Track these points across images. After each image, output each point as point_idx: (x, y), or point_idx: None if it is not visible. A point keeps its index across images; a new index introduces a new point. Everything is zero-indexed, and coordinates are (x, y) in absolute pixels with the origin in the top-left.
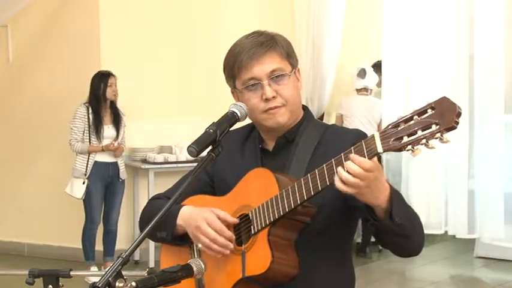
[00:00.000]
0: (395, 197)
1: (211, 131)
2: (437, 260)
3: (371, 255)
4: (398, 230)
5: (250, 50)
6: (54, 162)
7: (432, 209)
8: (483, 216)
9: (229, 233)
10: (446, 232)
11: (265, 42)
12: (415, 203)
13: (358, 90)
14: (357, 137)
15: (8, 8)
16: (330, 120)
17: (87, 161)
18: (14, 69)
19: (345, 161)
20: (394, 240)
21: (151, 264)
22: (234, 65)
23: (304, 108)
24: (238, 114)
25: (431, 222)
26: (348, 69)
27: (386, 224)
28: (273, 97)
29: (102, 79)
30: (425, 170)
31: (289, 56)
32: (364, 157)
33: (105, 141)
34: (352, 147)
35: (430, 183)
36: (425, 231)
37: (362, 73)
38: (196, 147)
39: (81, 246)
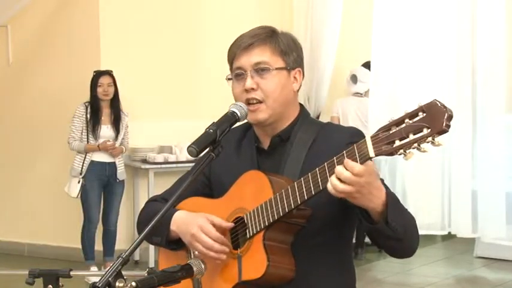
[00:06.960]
0: (391, 200)
1: (211, 131)
2: (437, 260)
3: (362, 256)
4: (391, 234)
5: (242, 40)
6: (54, 162)
7: (434, 210)
8: (485, 216)
9: (225, 240)
10: (448, 232)
11: (260, 34)
12: (415, 203)
13: (353, 93)
14: (352, 136)
15: (8, 8)
16: (326, 121)
17: (84, 160)
18: (14, 69)
19: (338, 165)
20: (386, 242)
21: (151, 264)
22: (229, 54)
23: (300, 106)
24: (238, 114)
25: (432, 223)
26: (345, 70)
27: (380, 227)
28: (252, 89)
29: (94, 79)
30: (427, 170)
31: (285, 53)
32: (356, 161)
33: (102, 141)
34: (344, 151)
35: (431, 184)
36: (427, 232)
37: (354, 79)
38: (196, 147)
39: (80, 246)
